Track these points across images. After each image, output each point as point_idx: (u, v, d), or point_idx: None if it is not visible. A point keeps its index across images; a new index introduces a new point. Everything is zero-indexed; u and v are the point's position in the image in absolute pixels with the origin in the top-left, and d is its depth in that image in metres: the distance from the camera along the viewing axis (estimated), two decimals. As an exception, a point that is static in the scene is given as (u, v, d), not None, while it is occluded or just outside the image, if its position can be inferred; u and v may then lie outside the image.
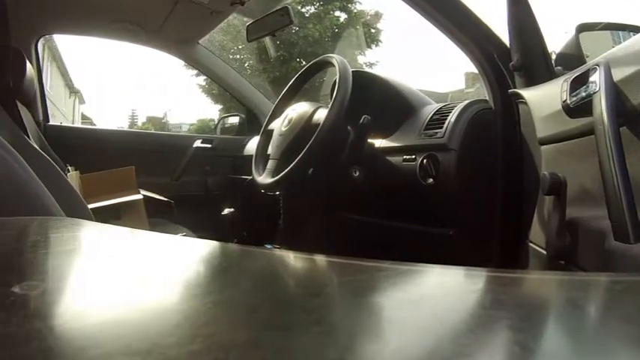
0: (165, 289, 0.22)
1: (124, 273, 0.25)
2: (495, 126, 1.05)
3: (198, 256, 0.32)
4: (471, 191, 1.05)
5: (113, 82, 29.03)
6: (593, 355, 0.14)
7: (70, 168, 1.34)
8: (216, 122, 2.82)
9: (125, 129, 3.31)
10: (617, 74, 0.59)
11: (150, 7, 1.70)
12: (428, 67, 22.00)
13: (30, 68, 1.33)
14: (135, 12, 1.73)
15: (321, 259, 0.30)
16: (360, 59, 10.94)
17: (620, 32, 0.99)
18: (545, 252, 0.77)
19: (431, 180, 1.05)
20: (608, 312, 0.20)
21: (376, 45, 11.29)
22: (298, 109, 1.23)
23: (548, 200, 0.75)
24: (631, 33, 0.95)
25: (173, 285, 0.23)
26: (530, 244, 0.86)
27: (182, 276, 0.25)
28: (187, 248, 0.34)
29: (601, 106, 0.56)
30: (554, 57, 0.99)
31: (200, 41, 2.02)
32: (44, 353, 0.14)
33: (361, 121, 1.13)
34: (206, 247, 0.35)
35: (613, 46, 0.94)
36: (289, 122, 1.22)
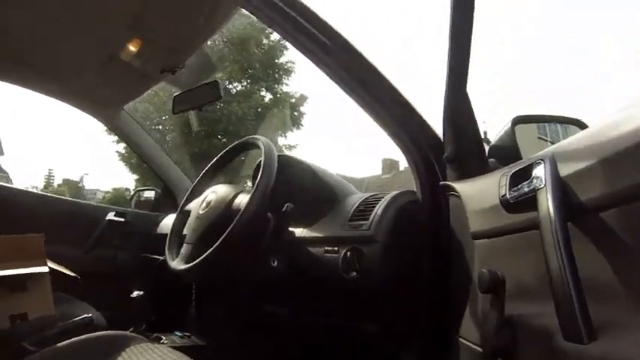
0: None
1: None
2: (423, 218, 1.01)
3: None
4: (396, 286, 0.99)
5: (32, 136, 26.96)
6: None
7: None
8: (131, 193, 2.68)
9: (38, 191, 3.04)
10: (564, 169, 0.57)
11: (79, 66, 1.64)
12: (345, 151, 23.12)
13: None
14: (63, 69, 1.67)
15: None
16: (281, 141, 11.08)
17: (546, 125, 0.99)
18: (478, 348, 0.74)
19: (354, 274, 0.99)
20: None
21: (297, 128, 11.42)
22: (219, 191, 1.17)
23: (482, 296, 0.72)
24: (558, 125, 0.97)
25: None
26: (461, 340, 0.82)
27: None
28: None
29: (547, 201, 0.55)
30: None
31: (125, 107, 1.95)
32: None
33: (284, 209, 1.08)
34: None
35: (539, 137, 0.96)
36: (208, 205, 1.16)
